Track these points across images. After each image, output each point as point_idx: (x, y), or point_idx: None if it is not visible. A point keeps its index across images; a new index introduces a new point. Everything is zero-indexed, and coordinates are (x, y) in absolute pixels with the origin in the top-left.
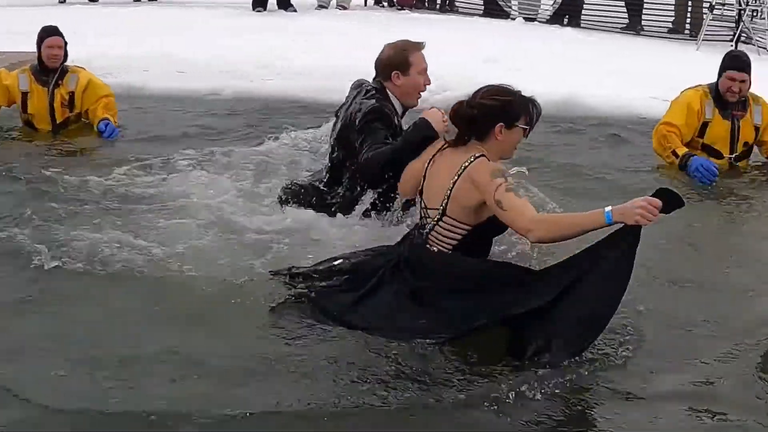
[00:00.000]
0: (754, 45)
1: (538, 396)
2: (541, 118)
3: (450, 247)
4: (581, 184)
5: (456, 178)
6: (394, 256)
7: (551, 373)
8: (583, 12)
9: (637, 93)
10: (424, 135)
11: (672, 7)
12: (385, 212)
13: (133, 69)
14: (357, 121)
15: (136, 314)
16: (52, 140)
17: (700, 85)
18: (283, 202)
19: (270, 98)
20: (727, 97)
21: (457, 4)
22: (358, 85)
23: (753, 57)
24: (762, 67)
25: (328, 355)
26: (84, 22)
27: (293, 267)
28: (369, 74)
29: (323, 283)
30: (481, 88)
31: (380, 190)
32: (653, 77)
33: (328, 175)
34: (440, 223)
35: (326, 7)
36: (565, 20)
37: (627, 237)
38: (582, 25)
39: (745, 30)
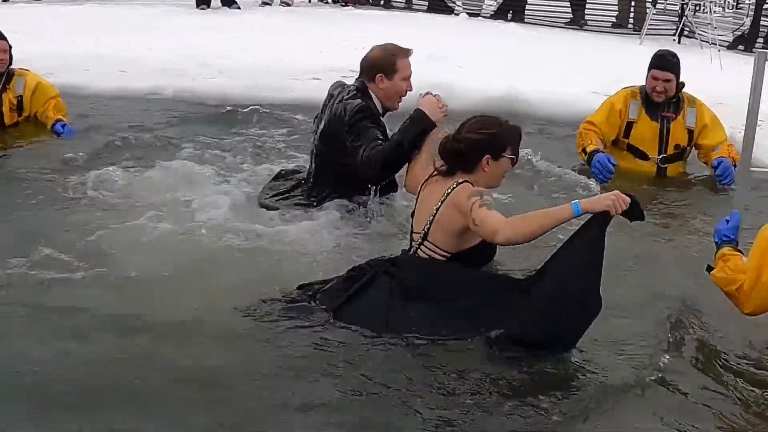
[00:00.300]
0: (696, 39)
1: (521, 388)
2: (483, 113)
3: None
4: (520, 180)
5: (439, 204)
6: (384, 263)
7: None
8: (527, 7)
9: (579, 88)
10: (420, 127)
11: (615, 2)
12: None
13: (74, 68)
14: (345, 120)
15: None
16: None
17: (634, 84)
18: (269, 207)
19: (210, 97)
20: (653, 97)
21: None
22: (340, 86)
23: (695, 51)
24: (704, 61)
25: (322, 352)
26: (25, 21)
27: (302, 284)
28: (313, 71)
29: (326, 287)
30: (467, 121)
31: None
32: (596, 72)
33: (313, 174)
34: (421, 247)
35: (270, 4)
36: (509, 15)
37: (597, 224)
38: (526, 20)
39: (688, 24)
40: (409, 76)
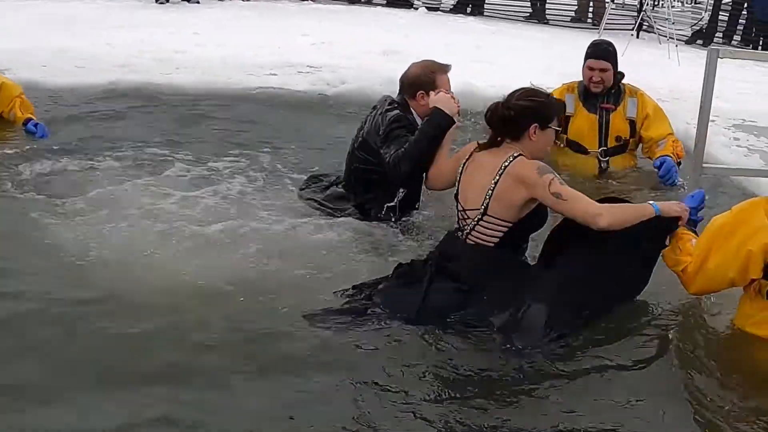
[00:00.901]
0: (655, 33)
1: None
2: None
3: (492, 244)
4: None
5: (497, 177)
6: (435, 259)
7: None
8: (487, 1)
9: (535, 83)
10: (438, 123)
11: None
12: (404, 214)
13: (31, 64)
14: (381, 130)
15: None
16: None
17: (573, 80)
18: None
19: (168, 93)
20: (590, 87)
21: None
22: (385, 99)
23: (654, 45)
24: (662, 56)
25: (386, 355)
26: None
27: (358, 284)
28: (270, 67)
29: (382, 286)
30: (516, 90)
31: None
32: (553, 68)
33: (346, 179)
34: (481, 222)
35: None
36: (468, 9)
37: (665, 230)
38: (485, 14)
39: (647, 18)
40: (448, 91)
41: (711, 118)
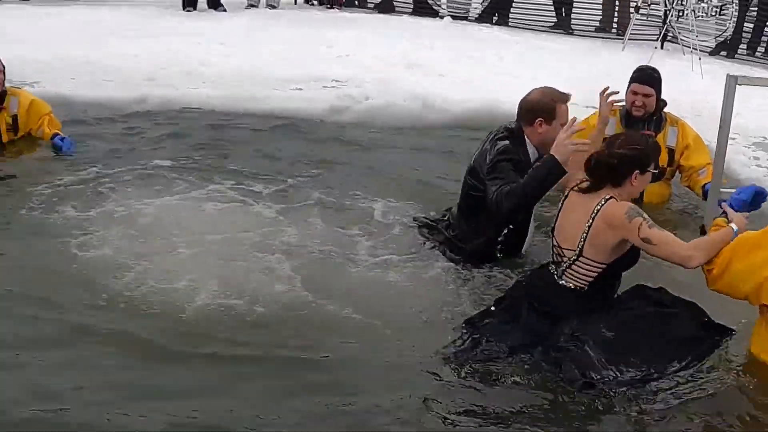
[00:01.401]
0: (679, 44)
1: None
2: (463, 127)
3: (586, 284)
4: None
5: (591, 221)
6: (527, 294)
7: None
8: (512, 10)
9: None
10: (549, 169)
11: (599, 6)
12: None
13: (59, 77)
14: (488, 158)
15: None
16: None
17: None
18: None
19: (195, 108)
20: (632, 111)
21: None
22: (501, 126)
23: (678, 57)
24: (686, 66)
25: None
26: (7, 26)
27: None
28: (296, 81)
29: (486, 321)
30: (616, 137)
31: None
32: (578, 81)
33: (460, 207)
34: (576, 262)
35: (256, 6)
36: (495, 19)
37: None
38: (510, 23)
39: (671, 29)
40: (566, 122)
41: (731, 136)
